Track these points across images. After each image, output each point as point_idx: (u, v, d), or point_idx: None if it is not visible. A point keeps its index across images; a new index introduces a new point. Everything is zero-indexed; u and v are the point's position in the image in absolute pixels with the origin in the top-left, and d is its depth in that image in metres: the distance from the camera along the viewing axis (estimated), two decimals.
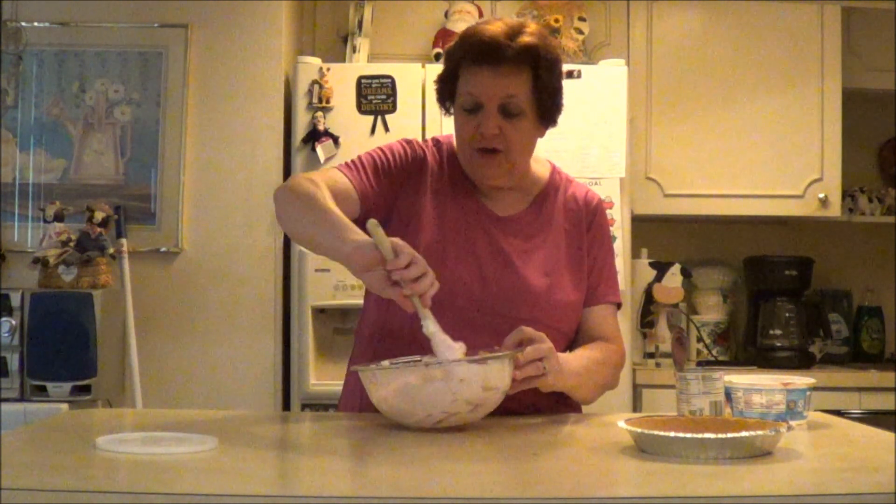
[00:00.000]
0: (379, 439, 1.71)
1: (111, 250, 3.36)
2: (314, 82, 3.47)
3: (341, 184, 1.96)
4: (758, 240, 4.27)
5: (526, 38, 1.95)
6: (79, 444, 1.65)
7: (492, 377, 1.74)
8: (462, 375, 1.70)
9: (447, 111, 2.06)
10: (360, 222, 1.84)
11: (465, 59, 1.98)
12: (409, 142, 2.09)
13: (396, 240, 1.73)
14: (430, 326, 1.78)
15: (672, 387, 1.87)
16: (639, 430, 1.54)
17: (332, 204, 1.85)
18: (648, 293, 3.83)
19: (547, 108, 2.01)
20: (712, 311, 4.15)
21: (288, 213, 1.92)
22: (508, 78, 1.95)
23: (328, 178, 1.96)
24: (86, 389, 3.13)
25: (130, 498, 1.26)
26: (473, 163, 2.01)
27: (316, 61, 3.52)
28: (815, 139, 3.96)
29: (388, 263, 1.71)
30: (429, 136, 3.27)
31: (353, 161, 2.03)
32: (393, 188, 2.02)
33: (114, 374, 3.33)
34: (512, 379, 1.79)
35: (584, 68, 3.53)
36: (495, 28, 1.97)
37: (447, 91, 2.04)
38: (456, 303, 1.96)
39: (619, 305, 2.16)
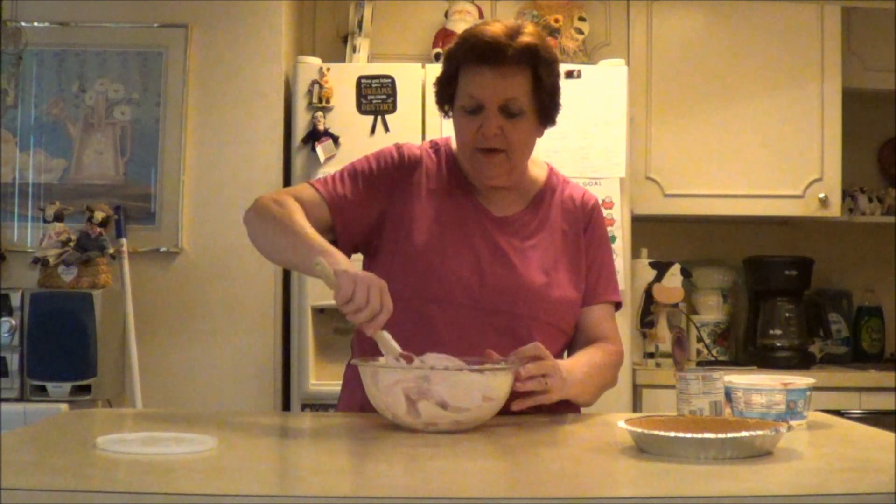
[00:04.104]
0: (379, 439, 1.71)
1: (111, 250, 3.36)
2: (314, 82, 3.47)
3: (308, 194, 2.02)
4: (758, 240, 4.27)
5: (526, 38, 1.96)
6: (79, 444, 1.65)
7: (492, 388, 1.74)
8: (463, 383, 1.71)
9: (445, 114, 2.07)
10: (336, 228, 1.99)
11: (466, 61, 1.98)
12: (400, 146, 2.10)
13: (343, 271, 1.76)
14: (387, 353, 1.80)
15: (672, 387, 1.87)
16: (639, 430, 1.54)
17: (302, 222, 1.91)
18: (648, 293, 3.83)
19: (546, 108, 2.02)
20: (712, 311, 4.15)
21: (261, 238, 2.00)
22: (509, 78, 1.96)
23: (294, 192, 2.03)
24: (86, 389, 3.13)
25: (130, 498, 1.26)
26: (475, 163, 2.02)
27: (316, 61, 3.52)
28: (815, 139, 3.96)
29: (334, 298, 1.76)
30: (428, 137, 3.30)
31: (330, 175, 2.07)
32: (378, 194, 2.04)
33: (114, 374, 3.33)
34: (512, 391, 1.80)
35: (584, 68, 3.53)
36: (495, 29, 1.97)
37: (446, 93, 2.04)
38: (455, 300, 1.97)
39: (618, 305, 2.17)
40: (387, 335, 1.80)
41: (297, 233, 1.89)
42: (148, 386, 3.40)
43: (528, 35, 1.97)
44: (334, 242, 1.99)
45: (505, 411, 1.82)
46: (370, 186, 2.04)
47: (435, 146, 2.12)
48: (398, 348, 1.80)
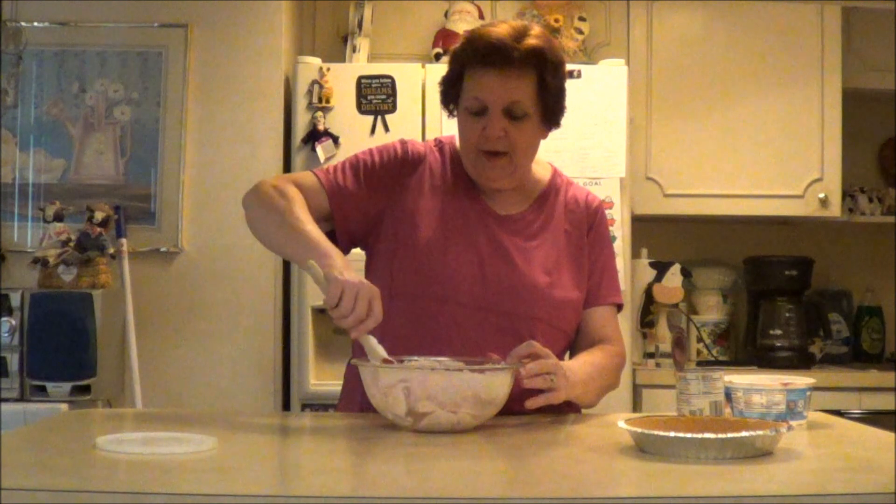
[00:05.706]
0: (379, 439, 1.71)
1: (111, 250, 3.36)
2: (314, 82, 3.47)
3: (308, 181, 2.02)
4: (758, 240, 4.27)
5: (532, 41, 1.96)
6: (79, 444, 1.65)
7: (491, 388, 1.74)
8: (463, 383, 1.71)
9: (451, 113, 2.07)
10: (335, 219, 2.00)
11: (471, 62, 1.98)
12: (405, 142, 2.10)
13: (334, 277, 1.77)
14: (372, 355, 1.80)
15: (672, 387, 1.87)
16: (639, 430, 1.54)
17: (303, 216, 1.91)
18: (648, 293, 3.83)
19: (551, 111, 2.02)
20: (712, 311, 4.15)
21: (260, 226, 2.00)
22: (514, 81, 1.95)
23: (295, 179, 2.04)
24: (86, 389, 3.13)
25: (130, 498, 1.26)
26: (478, 165, 2.02)
27: (316, 61, 3.52)
28: (815, 139, 3.96)
29: (325, 301, 1.77)
30: (429, 137, 3.30)
31: (333, 165, 2.08)
32: (378, 187, 2.04)
33: (114, 374, 3.33)
34: (522, 390, 1.80)
35: (584, 68, 3.53)
36: (501, 30, 1.97)
37: (452, 93, 2.04)
38: (457, 299, 1.97)
39: (620, 306, 2.17)
40: (372, 339, 1.80)
41: (297, 228, 1.89)
42: (148, 386, 3.40)
43: (535, 38, 1.97)
44: (332, 232, 1.99)
45: (508, 411, 1.82)
46: (371, 179, 2.04)
47: (440, 144, 2.12)
48: (383, 353, 1.80)
